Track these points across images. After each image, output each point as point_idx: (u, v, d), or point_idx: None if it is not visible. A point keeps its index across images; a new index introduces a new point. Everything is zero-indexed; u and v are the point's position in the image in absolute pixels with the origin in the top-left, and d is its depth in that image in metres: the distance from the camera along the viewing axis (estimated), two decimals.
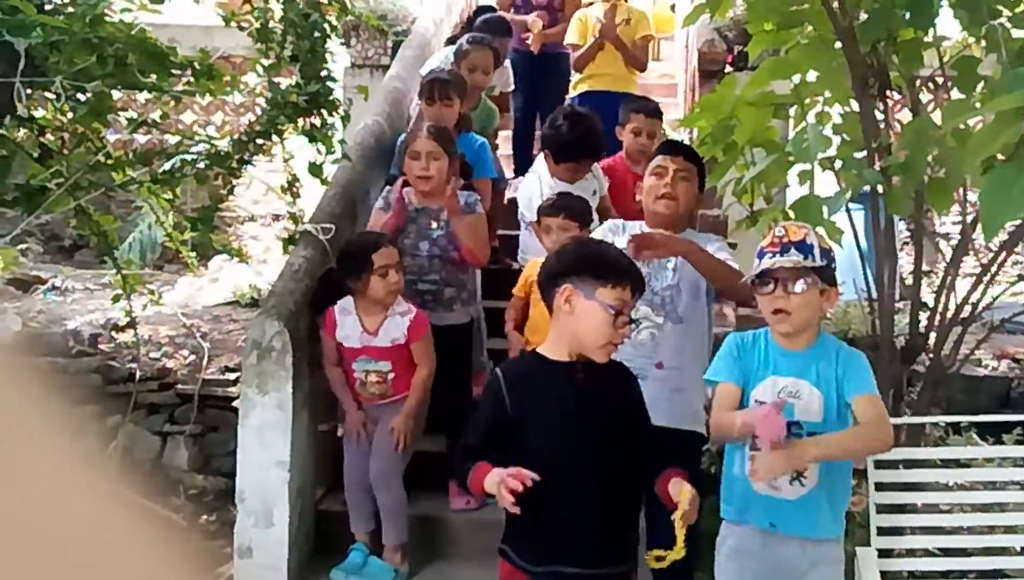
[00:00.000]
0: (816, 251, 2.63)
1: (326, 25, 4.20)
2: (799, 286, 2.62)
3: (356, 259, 3.75)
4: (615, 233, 3.33)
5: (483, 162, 4.78)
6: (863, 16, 3.47)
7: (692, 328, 3.33)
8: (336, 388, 3.88)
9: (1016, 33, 3.14)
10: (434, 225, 4.10)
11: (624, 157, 4.87)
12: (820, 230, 3.34)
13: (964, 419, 4.05)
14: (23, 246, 6.47)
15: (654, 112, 4.90)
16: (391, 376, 3.78)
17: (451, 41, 5.86)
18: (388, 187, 4.32)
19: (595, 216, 4.25)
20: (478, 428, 2.58)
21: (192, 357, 5.19)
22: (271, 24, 4.13)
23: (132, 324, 4.87)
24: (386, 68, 6.44)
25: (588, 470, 2.48)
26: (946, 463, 3.56)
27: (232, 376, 4.94)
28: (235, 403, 4.40)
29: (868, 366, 2.71)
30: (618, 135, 4.87)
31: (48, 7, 3.64)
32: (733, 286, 3.09)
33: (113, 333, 5.37)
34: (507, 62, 5.81)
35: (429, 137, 4.10)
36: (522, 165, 5.75)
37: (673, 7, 8.89)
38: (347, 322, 3.79)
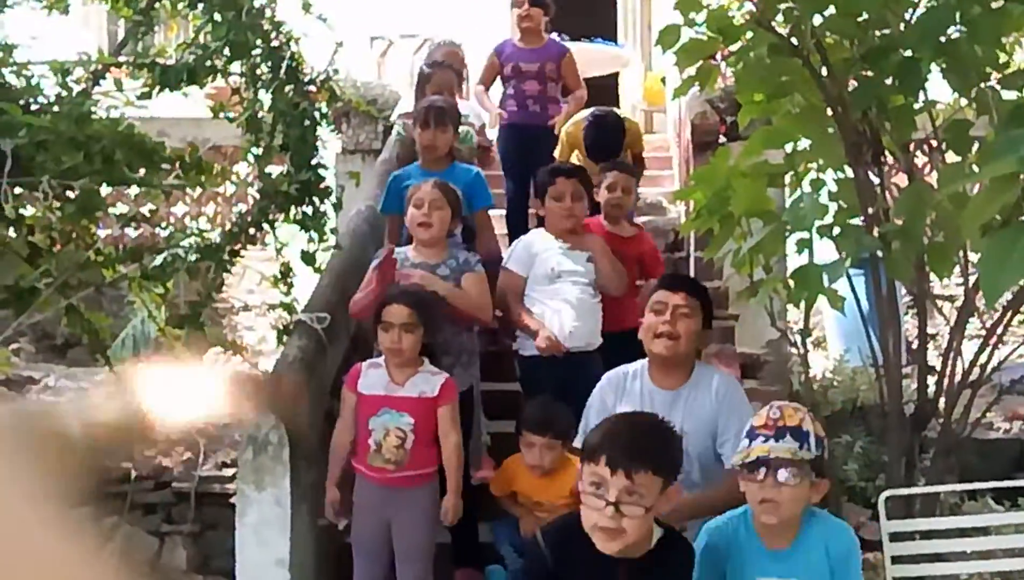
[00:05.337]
0: (812, 440, 2.51)
1: (316, 113, 4.20)
2: (789, 477, 2.48)
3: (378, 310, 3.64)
4: (617, 389, 3.26)
5: (479, 192, 4.66)
6: (852, 83, 3.47)
7: (710, 485, 3.18)
8: (333, 453, 3.60)
9: (1006, 94, 3.14)
10: None
11: (602, 219, 4.79)
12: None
13: (978, 487, 3.95)
14: (15, 346, 6.41)
15: (626, 169, 4.87)
16: (411, 439, 3.48)
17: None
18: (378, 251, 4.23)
19: None
20: None
21: (188, 454, 5.09)
22: (260, 114, 4.12)
23: None
24: (378, 152, 6.43)
25: None
26: (963, 532, 3.47)
27: (229, 472, 4.83)
28: (233, 500, 4.29)
29: (858, 560, 2.62)
30: (595, 196, 4.78)
31: (34, 107, 3.64)
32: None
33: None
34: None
35: (435, 187, 4.03)
36: None
37: (663, 79, 8.96)
38: (373, 373, 3.58)
